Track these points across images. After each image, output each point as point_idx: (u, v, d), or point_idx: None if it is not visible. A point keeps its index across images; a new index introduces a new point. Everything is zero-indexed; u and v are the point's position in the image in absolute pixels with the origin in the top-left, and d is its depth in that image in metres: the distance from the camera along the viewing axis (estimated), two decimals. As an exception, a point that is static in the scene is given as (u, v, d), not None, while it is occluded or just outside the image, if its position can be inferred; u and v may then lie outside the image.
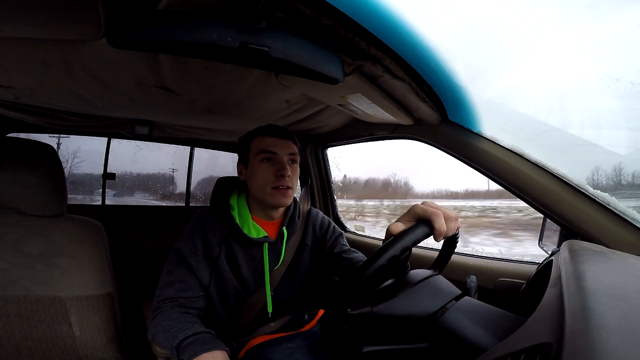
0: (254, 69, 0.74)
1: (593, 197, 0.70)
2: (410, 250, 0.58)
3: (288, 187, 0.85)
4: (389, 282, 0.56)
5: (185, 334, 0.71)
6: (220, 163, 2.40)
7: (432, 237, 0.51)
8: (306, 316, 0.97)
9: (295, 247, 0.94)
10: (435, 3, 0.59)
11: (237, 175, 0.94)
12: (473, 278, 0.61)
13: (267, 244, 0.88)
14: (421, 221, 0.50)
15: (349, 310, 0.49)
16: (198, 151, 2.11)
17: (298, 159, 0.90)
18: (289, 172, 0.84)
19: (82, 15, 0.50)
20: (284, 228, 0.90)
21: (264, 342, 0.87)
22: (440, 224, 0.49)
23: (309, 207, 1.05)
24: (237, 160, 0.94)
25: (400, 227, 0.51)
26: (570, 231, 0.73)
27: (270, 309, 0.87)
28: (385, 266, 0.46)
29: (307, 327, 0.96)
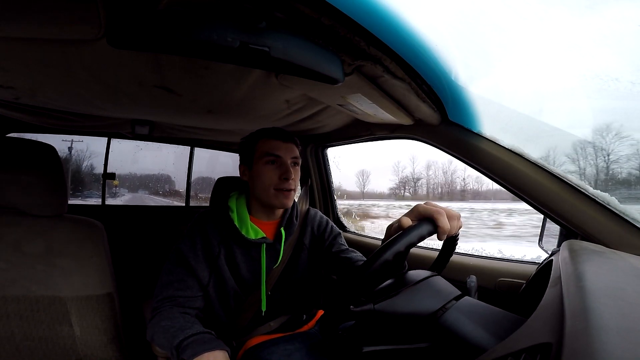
0: (254, 69, 0.74)
1: (593, 197, 0.70)
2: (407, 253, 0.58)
3: (291, 190, 0.87)
4: (389, 281, 0.56)
5: (185, 334, 0.71)
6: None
7: (434, 236, 0.52)
8: (304, 316, 0.97)
9: (293, 247, 0.95)
10: (435, 3, 0.59)
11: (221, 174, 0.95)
12: (473, 278, 0.61)
13: (265, 244, 0.88)
14: (425, 219, 0.52)
15: (351, 307, 0.49)
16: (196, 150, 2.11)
17: (300, 161, 0.92)
18: (293, 175, 0.87)
19: (82, 15, 0.50)
20: (282, 228, 0.91)
21: (262, 343, 0.87)
22: (444, 222, 0.50)
23: (307, 207, 1.06)
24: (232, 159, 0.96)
25: (407, 222, 0.53)
26: (570, 231, 0.73)
27: (264, 308, 0.88)
28: (391, 261, 0.47)
29: (305, 328, 0.96)
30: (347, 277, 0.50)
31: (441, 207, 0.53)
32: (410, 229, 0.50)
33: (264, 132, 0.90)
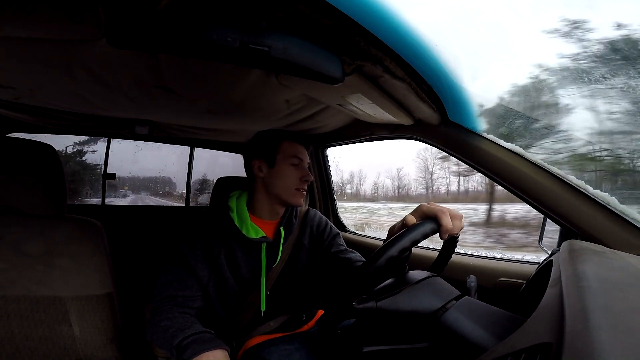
0: (254, 69, 0.74)
1: (593, 197, 0.70)
2: (411, 250, 0.59)
3: (305, 190, 0.93)
4: (390, 280, 0.56)
5: (185, 333, 0.71)
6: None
7: (437, 235, 0.53)
8: (304, 316, 0.98)
9: (292, 247, 0.96)
10: (435, 3, 0.59)
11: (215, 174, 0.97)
12: (473, 278, 0.62)
13: (265, 244, 0.89)
14: (429, 218, 0.53)
15: (354, 304, 0.50)
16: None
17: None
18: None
19: (82, 15, 0.50)
20: (281, 228, 0.92)
21: (262, 343, 0.87)
22: (447, 221, 0.52)
23: (307, 207, 1.07)
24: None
25: (412, 220, 0.54)
26: (570, 231, 0.73)
27: (263, 308, 0.88)
28: (395, 257, 0.48)
29: (305, 328, 0.96)
30: (351, 273, 0.50)
31: (444, 207, 0.54)
32: (414, 226, 0.51)
33: (288, 134, 0.95)
